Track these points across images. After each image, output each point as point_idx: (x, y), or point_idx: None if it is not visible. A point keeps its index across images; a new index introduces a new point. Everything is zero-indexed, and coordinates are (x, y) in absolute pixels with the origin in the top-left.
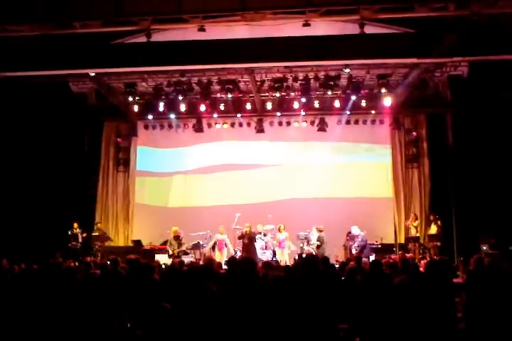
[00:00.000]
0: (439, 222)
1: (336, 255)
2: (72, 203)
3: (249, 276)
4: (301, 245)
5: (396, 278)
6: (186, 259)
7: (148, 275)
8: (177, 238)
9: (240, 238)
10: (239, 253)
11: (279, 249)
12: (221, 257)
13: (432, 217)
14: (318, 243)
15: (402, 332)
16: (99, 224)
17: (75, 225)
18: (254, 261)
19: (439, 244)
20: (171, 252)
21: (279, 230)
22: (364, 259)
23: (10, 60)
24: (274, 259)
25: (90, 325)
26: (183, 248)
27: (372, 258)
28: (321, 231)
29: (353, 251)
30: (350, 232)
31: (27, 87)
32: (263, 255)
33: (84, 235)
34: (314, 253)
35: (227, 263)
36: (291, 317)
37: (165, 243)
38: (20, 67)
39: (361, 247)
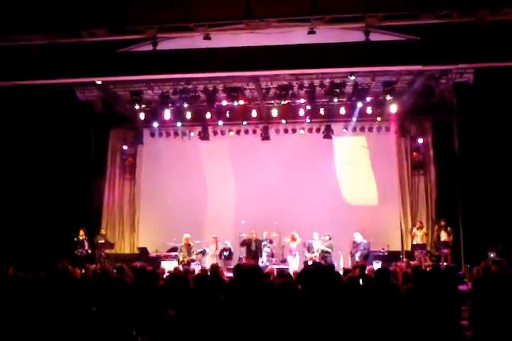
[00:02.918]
0: (449, 229)
1: (344, 262)
2: (78, 210)
3: (256, 284)
4: (306, 253)
5: (403, 286)
6: (193, 267)
7: (154, 283)
8: (188, 245)
9: (242, 244)
10: (244, 261)
11: (290, 256)
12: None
13: (442, 223)
14: (329, 250)
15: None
16: (103, 231)
17: (81, 232)
18: (261, 268)
19: (446, 251)
20: (181, 259)
21: (293, 238)
22: (369, 266)
23: (18, 69)
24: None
25: (95, 332)
26: (193, 256)
27: (377, 265)
28: (330, 238)
29: (356, 259)
30: (355, 240)
31: (34, 95)
32: (269, 262)
33: (89, 241)
34: (319, 260)
35: (234, 270)
36: (297, 325)
37: (171, 250)
38: (28, 76)
39: (363, 256)
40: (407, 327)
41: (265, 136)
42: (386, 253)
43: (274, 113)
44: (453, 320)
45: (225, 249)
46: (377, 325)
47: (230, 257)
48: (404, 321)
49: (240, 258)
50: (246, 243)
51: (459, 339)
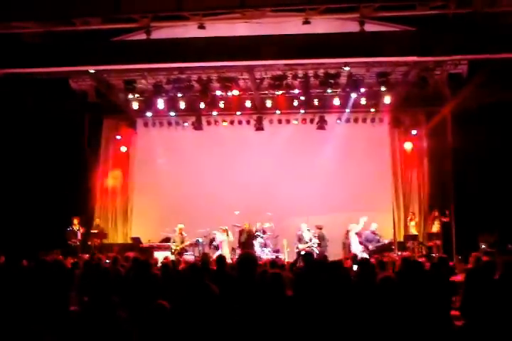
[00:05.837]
0: (442, 219)
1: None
2: (71, 200)
3: (249, 274)
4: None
5: (395, 276)
6: (186, 257)
7: (146, 273)
8: (181, 235)
9: (240, 234)
10: (237, 251)
11: None
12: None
13: (436, 213)
14: (318, 241)
15: (393, 331)
16: (98, 220)
17: (75, 221)
18: (255, 257)
19: (438, 242)
20: (174, 248)
21: None
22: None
23: (11, 57)
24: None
25: (86, 322)
26: (184, 245)
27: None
28: (320, 228)
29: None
30: (349, 230)
31: (27, 83)
32: (262, 253)
33: (82, 231)
34: (317, 251)
35: (218, 261)
36: (290, 315)
37: (165, 240)
38: (21, 64)
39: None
40: (397, 317)
41: (259, 127)
42: (379, 244)
43: (268, 103)
44: (443, 310)
45: (214, 239)
46: (366, 315)
47: (218, 248)
48: (395, 311)
49: (233, 249)
50: (239, 233)
51: (449, 328)
